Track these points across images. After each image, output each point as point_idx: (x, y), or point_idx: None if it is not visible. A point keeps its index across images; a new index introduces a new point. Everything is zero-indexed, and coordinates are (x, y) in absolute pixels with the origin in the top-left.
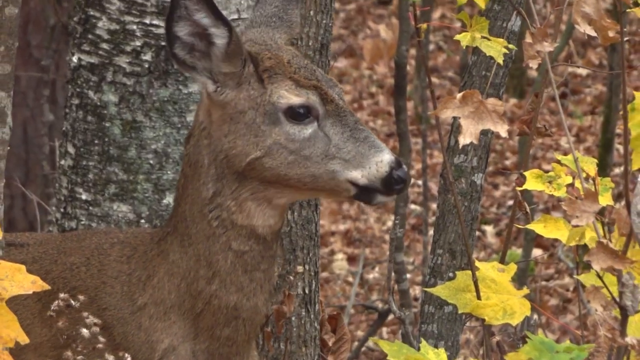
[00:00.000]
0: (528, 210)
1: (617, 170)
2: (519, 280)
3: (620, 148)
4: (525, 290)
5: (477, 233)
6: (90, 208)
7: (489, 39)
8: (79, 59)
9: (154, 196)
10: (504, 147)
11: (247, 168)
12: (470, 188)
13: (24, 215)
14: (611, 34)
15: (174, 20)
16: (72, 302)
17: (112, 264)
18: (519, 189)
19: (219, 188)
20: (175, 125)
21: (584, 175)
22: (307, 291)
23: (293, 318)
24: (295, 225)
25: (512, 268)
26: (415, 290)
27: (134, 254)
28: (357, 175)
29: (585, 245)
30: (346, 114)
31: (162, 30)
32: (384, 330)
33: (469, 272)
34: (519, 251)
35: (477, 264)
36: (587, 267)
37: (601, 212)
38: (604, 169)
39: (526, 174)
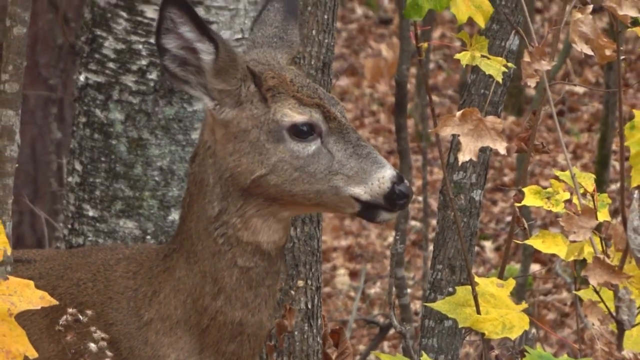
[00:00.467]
0: (526, 226)
1: (614, 187)
2: (518, 294)
3: (617, 165)
4: (524, 305)
5: (476, 248)
6: (97, 224)
7: (488, 58)
8: (86, 78)
9: (159, 213)
10: (502, 163)
11: (252, 185)
12: (469, 204)
13: (33, 231)
14: (607, 52)
15: (162, 32)
16: (80, 317)
17: (119, 279)
18: (517, 204)
19: (224, 206)
20: (180, 143)
21: (582, 191)
22: (309, 306)
23: (296, 332)
24: (298, 241)
25: (511, 283)
26: (416, 305)
27: (139, 269)
28: (360, 191)
29: (582, 261)
30: (349, 131)
31: None
32: (386, 344)
33: (469, 287)
34: (518, 266)
35: (476, 279)
36: (585, 282)
37: (599, 228)
38: (600, 185)
39: (525, 190)
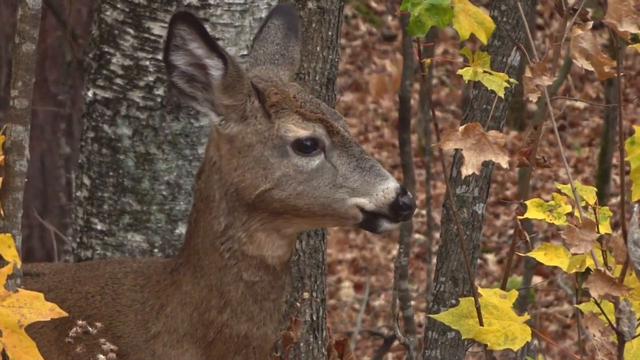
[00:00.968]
0: (528, 238)
1: (614, 200)
2: (520, 306)
3: (617, 179)
4: (526, 317)
5: (479, 261)
6: (105, 238)
7: (490, 74)
8: (94, 94)
9: (166, 226)
10: (504, 177)
11: (257, 200)
12: (472, 218)
13: (42, 245)
14: (607, 69)
15: (171, 49)
16: (90, 328)
17: (126, 292)
18: (519, 217)
19: (230, 221)
20: (187, 158)
21: (583, 204)
22: (314, 318)
23: (301, 344)
24: (303, 254)
25: (514, 294)
26: (420, 317)
27: (147, 283)
28: (365, 201)
29: (584, 273)
30: (352, 145)
31: None
32: (390, 355)
33: (472, 298)
34: (520, 279)
35: (479, 290)
36: (586, 294)
37: (600, 240)
38: (601, 198)
39: (527, 203)
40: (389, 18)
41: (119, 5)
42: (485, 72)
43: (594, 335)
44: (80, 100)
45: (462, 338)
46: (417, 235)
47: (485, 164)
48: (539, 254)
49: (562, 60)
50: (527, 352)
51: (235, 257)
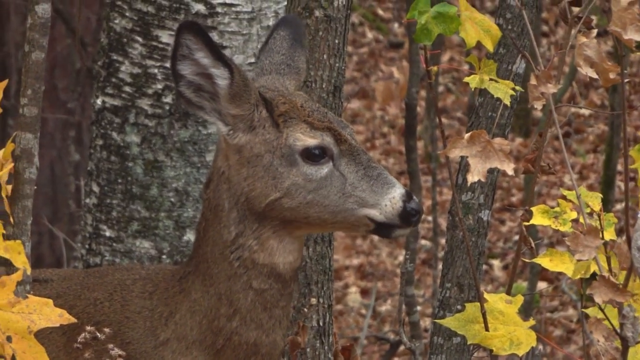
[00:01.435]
0: (533, 245)
1: (619, 206)
2: (525, 312)
3: (622, 185)
4: (531, 322)
5: (484, 267)
6: (114, 244)
7: (496, 81)
8: (103, 102)
9: (175, 233)
10: (510, 184)
11: (267, 209)
12: (478, 224)
13: (51, 251)
14: (612, 76)
15: (177, 58)
16: (98, 334)
17: (135, 299)
18: (525, 223)
19: (241, 230)
20: (195, 165)
21: (588, 210)
22: (321, 323)
23: (308, 349)
24: (310, 260)
25: (519, 300)
26: (426, 322)
27: (155, 290)
28: (375, 212)
29: (588, 279)
30: (359, 153)
31: None
32: None
33: (477, 304)
34: (525, 284)
35: (485, 295)
36: (591, 299)
37: (605, 247)
38: (606, 205)
39: (533, 209)
40: (396, 25)
41: (127, 14)
42: (491, 79)
43: (598, 341)
44: (89, 108)
45: (468, 343)
46: (423, 242)
47: (491, 171)
48: (544, 260)
49: (567, 68)
50: (532, 357)
51: (245, 265)
